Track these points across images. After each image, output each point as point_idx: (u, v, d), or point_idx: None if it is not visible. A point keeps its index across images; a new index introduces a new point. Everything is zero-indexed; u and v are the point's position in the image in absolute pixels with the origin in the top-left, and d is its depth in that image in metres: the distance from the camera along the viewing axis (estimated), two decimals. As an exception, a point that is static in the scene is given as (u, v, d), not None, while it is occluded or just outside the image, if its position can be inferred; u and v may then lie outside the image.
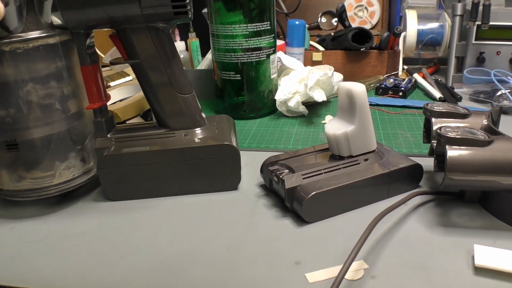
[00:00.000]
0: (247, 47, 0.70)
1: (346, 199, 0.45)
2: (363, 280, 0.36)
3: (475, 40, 0.90)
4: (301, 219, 0.44)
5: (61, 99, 0.47)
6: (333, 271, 0.36)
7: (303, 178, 0.45)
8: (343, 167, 0.47)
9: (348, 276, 0.36)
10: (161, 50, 0.47)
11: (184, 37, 1.01)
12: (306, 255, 0.39)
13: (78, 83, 0.49)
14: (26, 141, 0.46)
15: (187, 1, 0.44)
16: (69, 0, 0.43)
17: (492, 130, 0.45)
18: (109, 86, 0.87)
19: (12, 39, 0.42)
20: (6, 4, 0.41)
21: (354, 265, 0.37)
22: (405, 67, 1.00)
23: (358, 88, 0.46)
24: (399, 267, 0.37)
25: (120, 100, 0.80)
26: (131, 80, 0.90)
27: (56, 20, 0.45)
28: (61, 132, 0.47)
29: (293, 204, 0.44)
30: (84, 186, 0.51)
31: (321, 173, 0.46)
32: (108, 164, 0.47)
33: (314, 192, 0.42)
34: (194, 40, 0.95)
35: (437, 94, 0.83)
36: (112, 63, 0.49)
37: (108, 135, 0.50)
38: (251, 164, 0.57)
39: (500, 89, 0.77)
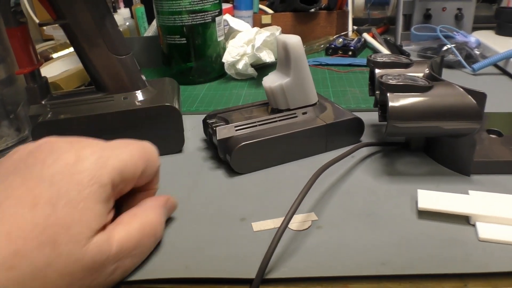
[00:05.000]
0: (192, 9, 0.67)
1: (280, 151, 0.45)
2: (310, 230, 0.35)
3: (422, -4, 0.90)
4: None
5: (-13, 64, 0.44)
6: (279, 221, 0.36)
7: (236, 130, 0.45)
8: (280, 120, 0.47)
9: (294, 226, 0.35)
10: (93, 9, 0.44)
11: (128, 4, 0.97)
12: (251, 209, 0.38)
13: (6, 47, 0.46)
14: (-49, 111, 0.43)
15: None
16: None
17: (433, 77, 0.45)
18: (52, 58, 0.83)
19: None
20: None
21: (302, 216, 0.37)
22: (355, 27, 1.00)
23: (292, 40, 0.45)
24: (344, 216, 0.37)
25: (64, 72, 0.76)
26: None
27: (-27, -23, 0.42)
28: (-10, 100, 0.44)
29: (225, 156, 0.44)
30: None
31: (256, 125, 0.45)
32: (44, 132, 0.45)
33: (243, 143, 0.42)
34: (139, 7, 0.91)
35: (386, 52, 0.83)
36: (41, 24, 0.46)
37: (43, 102, 0.47)
38: (197, 127, 0.55)
39: (446, 44, 0.78)
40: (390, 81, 0.41)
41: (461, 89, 0.40)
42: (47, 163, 0.27)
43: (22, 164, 0.28)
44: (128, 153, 0.31)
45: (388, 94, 0.40)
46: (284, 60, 0.46)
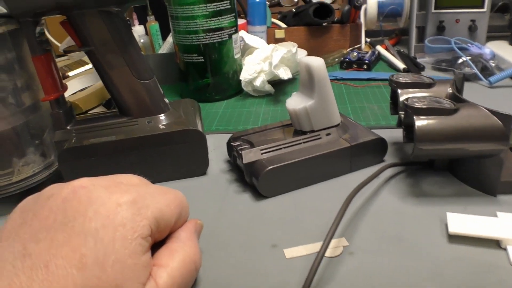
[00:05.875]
0: (208, 27, 0.68)
1: (306, 174, 0.45)
2: (342, 256, 0.35)
3: (435, 9, 0.90)
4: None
5: (14, 92, 0.44)
6: (311, 248, 0.36)
7: (262, 153, 0.45)
8: (304, 142, 0.47)
9: (327, 253, 0.35)
10: (116, 35, 0.45)
11: (142, 21, 0.98)
12: (281, 234, 0.38)
13: (32, 74, 0.46)
14: (-21, 139, 0.43)
15: (141, -18, 0.42)
16: (12, -14, 0.40)
17: (457, 98, 0.45)
18: (68, 76, 0.83)
19: (-47, 31, 0.39)
20: None
21: (334, 242, 0.37)
22: (368, 39, 1.00)
23: (315, 62, 0.45)
24: (375, 241, 0.37)
25: (81, 90, 0.77)
26: (91, 68, 0.86)
27: (1, 8, 0.42)
28: (17, 127, 0.45)
29: (252, 179, 0.44)
30: (46, 182, 0.49)
31: (281, 148, 0.46)
32: (70, 157, 0.45)
33: (270, 167, 0.42)
34: (153, 24, 0.92)
35: (401, 65, 0.83)
36: (66, 51, 0.46)
37: (68, 127, 0.48)
38: (220, 147, 0.55)
39: (461, 57, 0.78)
40: (416, 104, 0.41)
41: (487, 111, 0.40)
42: (88, 216, 0.27)
43: (61, 215, 0.27)
44: (165, 202, 0.31)
45: (414, 118, 0.40)
46: (307, 82, 0.47)
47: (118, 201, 0.28)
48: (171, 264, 0.30)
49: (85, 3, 0.42)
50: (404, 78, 0.48)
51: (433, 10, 0.90)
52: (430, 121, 0.40)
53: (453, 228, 0.36)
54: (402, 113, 0.46)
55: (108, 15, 0.44)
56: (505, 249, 0.35)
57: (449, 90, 0.47)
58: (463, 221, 0.37)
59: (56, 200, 0.28)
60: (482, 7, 0.88)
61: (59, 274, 0.24)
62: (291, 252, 0.36)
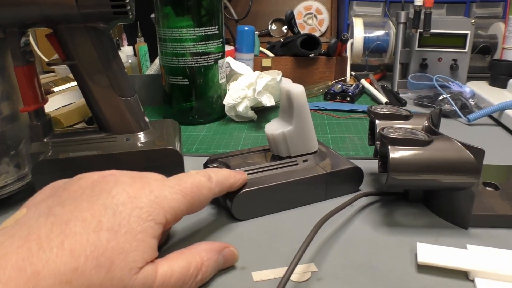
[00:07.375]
0: (195, 51, 0.69)
1: (280, 199, 0.45)
2: (310, 282, 0.35)
3: (418, 47, 0.93)
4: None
5: (-7, 101, 0.44)
6: (279, 272, 0.36)
7: None
8: (280, 167, 0.47)
9: (294, 277, 0.35)
10: (101, 52, 0.45)
11: (132, 42, 0.99)
12: (251, 257, 0.38)
13: (13, 84, 0.46)
14: (-47, 146, 0.43)
15: (127, 1, 0.43)
16: (-1, -3, 0.41)
17: (432, 131, 0.46)
18: (53, 92, 0.83)
19: None
20: None
21: (302, 267, 0.37)
22: (353, 73, 1.02)
23: (296, 89, 0.46)
24: (345, 268, 0.37)
25: (64, 106, 0.77)
26: (76, 85, 0.87)
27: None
28: (-8, 136, 0.44)
29: (226, 202, 0.44)
30: (18, 194, 0.48)
31: (256, 172, 0.46)
32: (44, 170, 0.45)
33: (244, 190, 0.43)
34: (142, 45, 0.93)
35: (383, 99, 0.85)
36: (49, 64, 0.47)
37: (45, 140, 0.47)
38: (198, 169, 0.55)
39: (442, 94, 0.80)
40: (391, 134, 0.41)
41: (460, 144, 0.41)
42: (112, 193, 0.31)
43: (89, 190, 0.31)
44: (181, 193, 0.34)
45: (389, 147, 0.40)
46: (287, 108, 0.47)
47: (141, 187, 0.32)
48: (175, 261, 0.32)
49: (72, 18, 0.43)
50: (382, 109, 0.49)
51: (416, 48, 0.93)
52: (404, 152, 0.40)
53: (422, 258, 0.36)
54: (378, 143, 0.47)
55: (94, 31, 0.45)
56: (472, 281, 0.35)
57: (425, 123, 0.48)
58: (433, 252, 0.37)
59: (87, 181, 0.32)
60: (464, 47, 0.91)
61: (76, 232, 0.28)
62: (258, 275, 0.36)
